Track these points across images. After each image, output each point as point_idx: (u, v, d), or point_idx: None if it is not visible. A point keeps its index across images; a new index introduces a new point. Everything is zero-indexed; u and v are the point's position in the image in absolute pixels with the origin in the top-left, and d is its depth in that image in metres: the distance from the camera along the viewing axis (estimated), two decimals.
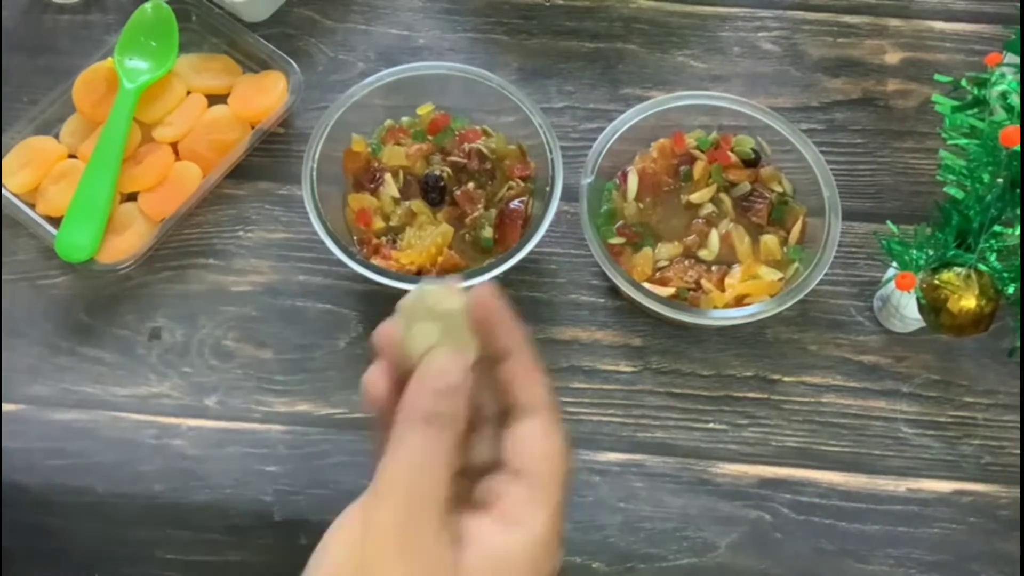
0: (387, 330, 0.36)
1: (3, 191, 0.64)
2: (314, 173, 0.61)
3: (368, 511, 0.33)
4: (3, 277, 0.64)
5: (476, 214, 0.62)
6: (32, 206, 0.65)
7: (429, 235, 0.61)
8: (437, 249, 0.60)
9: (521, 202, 0.63)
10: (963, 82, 0.53)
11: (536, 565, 0.33)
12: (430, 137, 0.65)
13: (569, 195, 0.62)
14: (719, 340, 0.63)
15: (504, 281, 0.61)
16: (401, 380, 0.36)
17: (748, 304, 0.59)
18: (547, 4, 0.75)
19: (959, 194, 0.52)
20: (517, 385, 0.35)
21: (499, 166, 0.64)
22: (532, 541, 0.33)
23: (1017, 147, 0.49)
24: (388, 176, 0.63)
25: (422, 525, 0.32)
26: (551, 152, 0.61)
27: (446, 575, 0.32)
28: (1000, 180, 0.51)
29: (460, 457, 0.34)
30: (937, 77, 0.58)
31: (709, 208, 0.63)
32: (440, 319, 0.36)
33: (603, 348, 0.62)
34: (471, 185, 0.63)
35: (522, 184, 0.63)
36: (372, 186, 0.64)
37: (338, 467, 0.58)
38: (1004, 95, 0.51)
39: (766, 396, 0.61)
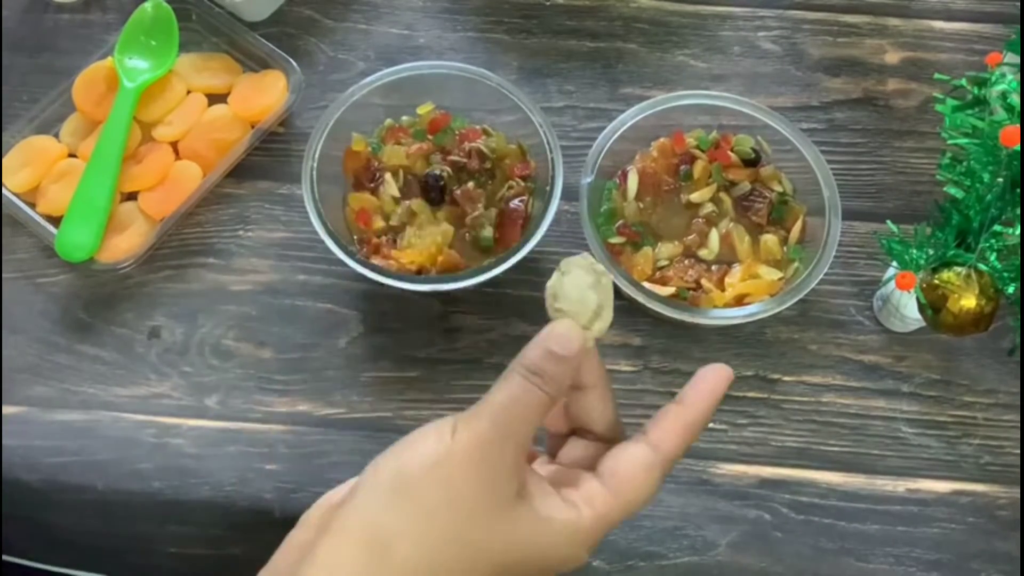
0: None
1: (3, 190, 0.64)
2: (314, 172, 0.61)
3: (464, 421, 0.36)
4: (3, 276, 0.64)
5: (476, 213, 0.62)
6: (32, 205, 0.65)
7: (429, 234, 0.61)
8: (437, 248, 0.60)
9: (521, 201, 0.63)
10: (963, 82, 0.53)
11: (561, 548, 0.37)
12: (430, 136, 0.65)
13: (569, 194, 0.61)
14: (719, 339, 0.63)
15: (504, 281, 0.61)
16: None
17: (748, 304, 0.59)
18: (547, 3, 0.75)
19: (959, 194, 0.52)
20: (659, 420, 0.38)
21: (499, 165, 0.64)
22: (575, 526, 0.36)
23: (1017, 147, 0.49)
24: (388, 175, 0.63)
25: (502, 449, 0.36)
26: (551, 151, 0.61)
27: (504, 500, 0.36)
28: (1000, 180, 0.51)
29: (543, 418, 0.37)
30: (937, 77, 0.58)
31: (709, 208, 0.63)
32: (594, 274, 0.39)
33: (603, 348, 0.61)
34: (471, 184, 0.63)
35: (522, 183, 0.63)
36: (372, 185, 0.64)
37: (338, 466, 0.58)
38: (1004, 95, 0.51)
39: (766, 396, 0.61)
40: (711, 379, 0.39)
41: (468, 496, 0.35)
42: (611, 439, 0.40)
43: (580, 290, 0.38)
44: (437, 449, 0.36)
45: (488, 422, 0.36)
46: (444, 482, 0.35)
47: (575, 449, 0.40)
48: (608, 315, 0.39)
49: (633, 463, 0.38)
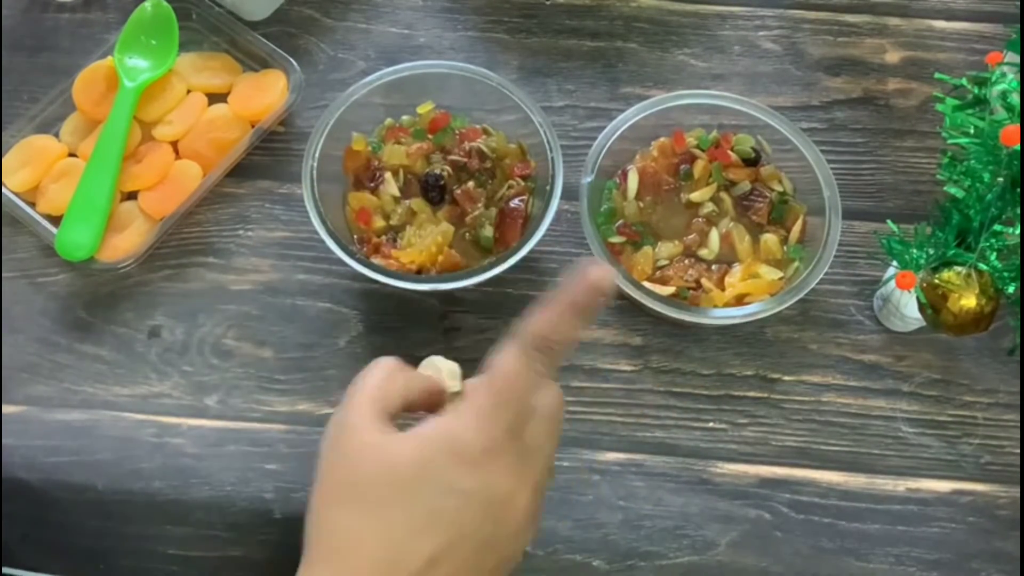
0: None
1: (3, 189, 0.64)
2: (314, 172, 0.61)
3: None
4: (3, 275, 0.64)
5: (476, 213, 0.62)
6: (32, 204, 0.65)
7: (429, 234, 0.61)
8: (437, 248, 0.60)
9: (521, 201, 0.63)
10: (964, 81, 0.53)
11: (449, 445, 0.40)
12: (430, 136, 0.65)
13: (569, 194, 0.61)
14: (719, 339, 0.63)
15: (504, 280, 0.61)
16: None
17: (748, 303, 0.59)
18: (547, 3, 0.75)
19: (959, 193, 0.52)
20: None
21: (499, 165, 0.64)
22: (458, 415, 0.41)
23: (1017, 146, 0.49)
24: (388, 175, 0.63)
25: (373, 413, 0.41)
26: (551, 151, 0.61)
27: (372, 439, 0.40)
28: (1000, 179, 0.51)
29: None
30: (938, 76, 0.58)
31: (709, 207, 0.63)
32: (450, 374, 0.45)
33: (603, 347, 0.62)
34: (471, 184, 0.63)
35: (522, 183, 0.63)
36: (372, 185, 0.64)
37: None
38: (1004, 94, 0.51)
39: (766, 395, 0.61)
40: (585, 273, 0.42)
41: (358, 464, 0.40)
42: (519, 339, 0.43)
43: (441, 363, 0.45)
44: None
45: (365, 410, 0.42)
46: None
47: None
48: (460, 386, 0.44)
49: (503, 352, 0.42)
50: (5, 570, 0.62)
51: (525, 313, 0.43)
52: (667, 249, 0.62)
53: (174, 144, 0.67)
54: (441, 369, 0.45)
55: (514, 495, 0.40)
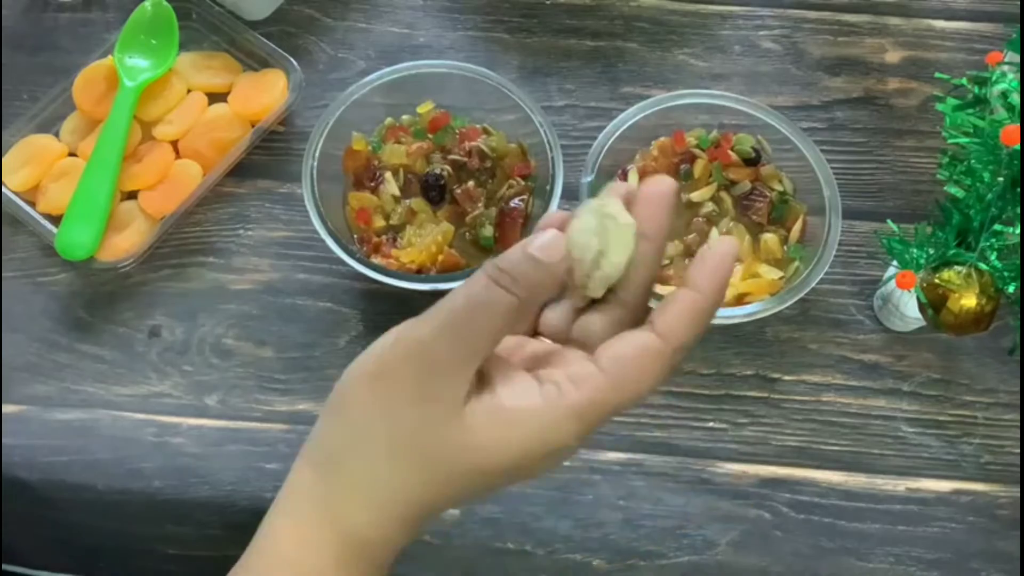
0: (552, 216, 0.37)
1: (3, 189, 0.64)
2: (314, 171, 0.61)
3: (407, 327, 0.34)
4: (3, 275, 0.64)
5: (476, 213, 0.62)
6: (32, 204, 0.65)
7: (429, 233, 0.61)
8: (437, 248, 0.60)
9: (521, 201, 0.63)
10: (964, 81, 0.53)
11: (538, 435, 0.33)
12: (430, 135, 0.65)
13: (570, 194, 0.61)
14: (719, 339, 0.63)
15: None
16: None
17: (748, 303, 0.59)
18: (548, 2, 0.75)
19: (960, 193, 0.52)
20: (666, 306, 0.34)
21: (499, 165, 0.64)
22: (554, 406, 0.33)
23: (1017, 146, 0.49)
24: (388, 174, 0.63)
25: (445, 355, 0.33)
26: (551, 151, 0.61)
27: (449, 406, 0.33)
28: (1001, 179, 0.51)
29: (513, 328, 0.35)
30: (938, 76, 0.58)
31: (710, 207, 0.63)
32: (599, 218, 0.36)
33: None
34: (471, 184, 0.63)
35: (522, 183, 0.63)
36: (372, 184, 0.64)
37: None
38: (1005, 94, 0.51)
39: (766, 395, 0.61)
40: (718, 253, 0.35)
41: (405, 406, 0.33)
42: (635, 313, 0.36)
43: (584, 235, 0.35)
44: (375, 360, 0.34)
45: (430, 328, 0.33)
46: (380, 394, 0.34)
47: (592, 322, 0.36)
48: (612, 262, 0.35)
49: (638, 348, 0.34)
50: (5, 569, 0.63)
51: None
52: (667, 249, 0.62)
53: (174, 144, 0.67)
54: (614, 225, 0.35)
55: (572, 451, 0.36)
